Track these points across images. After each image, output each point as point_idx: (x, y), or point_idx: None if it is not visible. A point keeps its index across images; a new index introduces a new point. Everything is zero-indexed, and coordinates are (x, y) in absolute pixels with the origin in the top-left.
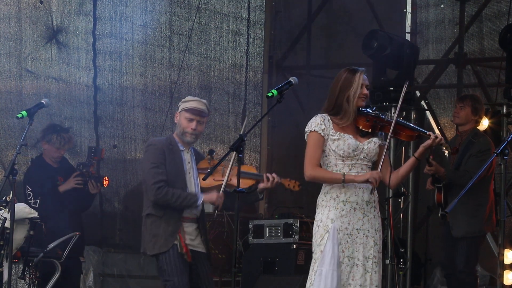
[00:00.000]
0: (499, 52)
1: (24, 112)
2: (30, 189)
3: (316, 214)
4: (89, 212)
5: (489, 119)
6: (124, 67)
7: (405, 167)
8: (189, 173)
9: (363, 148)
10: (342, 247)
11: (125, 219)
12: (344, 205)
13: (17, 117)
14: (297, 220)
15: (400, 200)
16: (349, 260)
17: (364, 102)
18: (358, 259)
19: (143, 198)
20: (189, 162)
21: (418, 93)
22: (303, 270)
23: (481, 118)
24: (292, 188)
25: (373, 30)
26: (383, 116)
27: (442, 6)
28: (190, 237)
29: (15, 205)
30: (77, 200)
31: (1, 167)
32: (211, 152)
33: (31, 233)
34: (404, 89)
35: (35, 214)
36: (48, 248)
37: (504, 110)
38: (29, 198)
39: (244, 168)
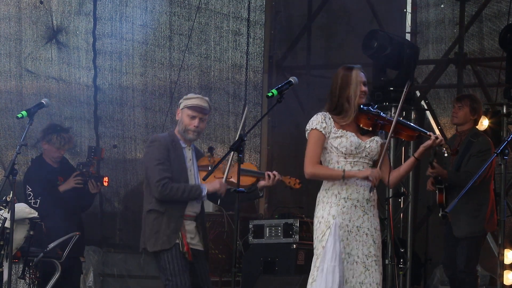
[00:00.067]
0: (499, 52)
1: (24, 112)
2: (30, 189)
3: (317, 210)
4: (89, 212)
5: (489, 119)
6: (124, 67)
7: (404, 166)
8: (190, 170)
9: (365, 146)
10: (344, 244)
11: (125, 219)
12: (346, 202)
13: (17, 117)
14: (297, 220)
15: (400, 200)
16: (349, 257)
17: (364, 99)
18: (358, 256)
19: (143, 197)
20: (190, 159)
21: (418, 93)
22: (303, 270)
23: (479, 117)
24: (292, 185)
25: (373, 30)
26: (384, 115)
27: (442, 6)
28: (190, 235)
29: (15, 205)
30: (77, 200)
31: (1, 167)
32: (210, 149)
33: (31, 233)
34: (405, 89)
35: (35, 214)
36: (48, 248)
37: (504, 110)
38: (29, 198)
39: (244, 166)
